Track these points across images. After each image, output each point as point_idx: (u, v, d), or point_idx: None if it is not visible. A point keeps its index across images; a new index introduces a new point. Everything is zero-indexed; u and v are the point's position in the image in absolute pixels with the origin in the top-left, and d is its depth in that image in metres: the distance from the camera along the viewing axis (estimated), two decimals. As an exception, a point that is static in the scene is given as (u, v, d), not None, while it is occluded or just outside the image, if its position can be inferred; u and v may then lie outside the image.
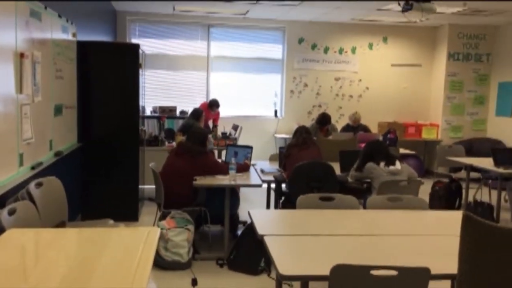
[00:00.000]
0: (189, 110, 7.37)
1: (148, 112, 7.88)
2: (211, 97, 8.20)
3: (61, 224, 3.24)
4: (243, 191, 6.57)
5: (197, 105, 7.72)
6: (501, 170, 5.21)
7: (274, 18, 8.34)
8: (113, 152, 5.24)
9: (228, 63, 8.64)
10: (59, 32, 4.10)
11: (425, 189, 6.24)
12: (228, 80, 8.67)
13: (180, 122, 7.31)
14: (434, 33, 8.89)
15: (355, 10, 7.37)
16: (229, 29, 8.57)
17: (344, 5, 6.95)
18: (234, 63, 8.65)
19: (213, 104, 7.55)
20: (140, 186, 5.52)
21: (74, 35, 4.70)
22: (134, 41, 8.10)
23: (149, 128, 7.19)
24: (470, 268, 1.97)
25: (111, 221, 3.47)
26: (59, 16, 4.07)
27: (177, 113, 7.96)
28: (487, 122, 8.72)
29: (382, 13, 7.53)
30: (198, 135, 4.35)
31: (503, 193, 5.61)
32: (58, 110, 4.08)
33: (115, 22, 8.13)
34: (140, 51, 5.42)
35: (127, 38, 8.21)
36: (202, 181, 4.10)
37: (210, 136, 6.52)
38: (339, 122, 8.61)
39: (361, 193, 4.56)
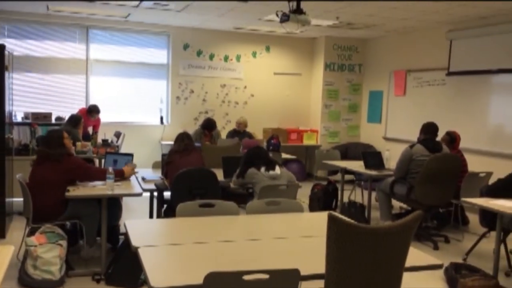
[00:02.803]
0: (67, 116, 6.93)
1: (18, 118, 7.24)
2: (91, 102, 7.79)
3: None
4: (126, 201, 6.32)
5: (75, 111, 7.27)
6: (370, 172, 5.64)
7: (158, 23, 8.18)
8: (-26, 163, 4.70)
9: (110, 67, 8.28)
10: None
11: (307, 192, 6.57)
12: (110, 85, 8.30)
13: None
14: (312, 44, 9.41)
15: (237, 19, 7.53)
16: (110, 32, 8.22)
17: (227, 13, 7.05)
18: (117, 67, 8.31)
19: (93, 110, 7.17)
20: (8, 199, 5.02)
21: None
22: (2, 41, 7.38)
23: (20, 135, 6.61)
24: (336, 267, 2.08)
25: (-33, 241, 3.10)
26: None
27: (53, 119, 7.42)
28: (360, 128, 9.44)
29: (263, 23, 7.78)
30: (53, 138, 3.99)
31: (374, 194, 6.07)
32: None
33: (-21, 19, 7.35)
34: (7, 52, 4.95)
35: (-7, 38, 7.47)
36: (76, 191, 3.84)
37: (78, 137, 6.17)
38: (225, 128, 8.71)
39: (244, 198, 4.64)
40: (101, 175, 4.01)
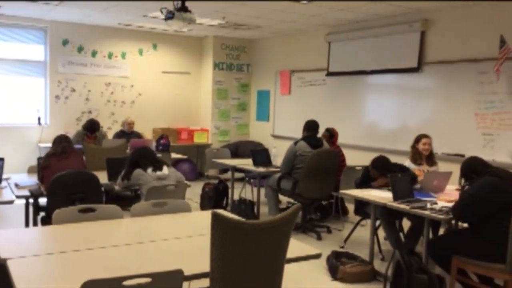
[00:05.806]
0: None
1: None
2: (-46, 102, 6.98)
3: None
4: (-2, 210, 5.78)
5: None
6: (259, 169, 5.79)
7: (34, 16, 7.56)
8: None
9: (-23, 64, 7.50)
10: None
11: (198, 191, 6.55)
12: (-22, 83, 7.53)
13: None
14: (201, 43, 9.40)
15: (122, 14, 7.25)
16: (-24, 25, 7.44)
17: (111, 6, 6.75)
18: (-15, 63, 7.55)
19: (-44, 111, 6.42)
20: None
21: None
22: None
23: None
24: (220, 264, 2.09)
25: None
26: None
27: None
28: (250, 126, 9.65)
29: (149, 20, 7.58)
30: None
31: (263, 190, 6.23)
32: None
33: None
34: None
35: None
36: None
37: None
38: (112, 128, 8.35)
39: (131, 201, 4.48)
40: None
